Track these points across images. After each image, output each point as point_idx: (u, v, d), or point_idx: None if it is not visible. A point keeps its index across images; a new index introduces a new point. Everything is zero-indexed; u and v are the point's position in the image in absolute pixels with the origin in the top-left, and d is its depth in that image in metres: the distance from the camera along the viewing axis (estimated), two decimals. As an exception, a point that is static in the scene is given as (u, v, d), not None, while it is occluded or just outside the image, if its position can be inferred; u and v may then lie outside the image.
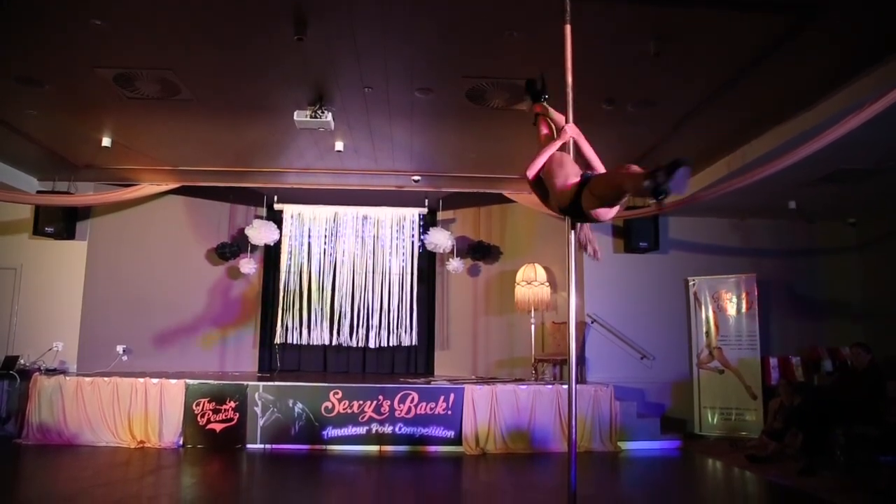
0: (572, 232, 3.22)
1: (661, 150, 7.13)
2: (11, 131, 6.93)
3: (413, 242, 10.42)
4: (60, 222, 8.75)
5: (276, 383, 7.55)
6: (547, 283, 9.09)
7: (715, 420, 8.66)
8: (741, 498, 5.91)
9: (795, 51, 4.84)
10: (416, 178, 8.56)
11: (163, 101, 6.08)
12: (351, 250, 10.37)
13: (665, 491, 6.06)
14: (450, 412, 7.46)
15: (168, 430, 7.31)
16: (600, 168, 3.25)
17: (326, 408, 7.38)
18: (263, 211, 10.35)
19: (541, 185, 3.33)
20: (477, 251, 10.12)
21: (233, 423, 7.34)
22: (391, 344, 10.20)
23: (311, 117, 5.88)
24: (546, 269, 9.20)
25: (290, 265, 10.26)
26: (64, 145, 7.53)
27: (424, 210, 10.38)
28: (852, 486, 5.72)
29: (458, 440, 7.39)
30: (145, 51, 5.09)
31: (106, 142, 7.16)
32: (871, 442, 6.11)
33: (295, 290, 10.19)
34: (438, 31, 4.77)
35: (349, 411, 7.39)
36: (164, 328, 9.52)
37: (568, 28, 3.31)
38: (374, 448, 7.32)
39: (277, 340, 10.06)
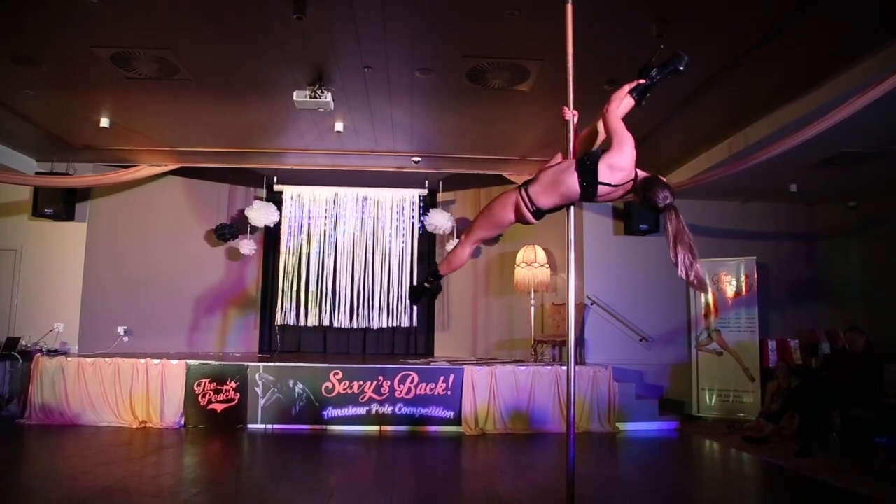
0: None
1: (662, 132, 7.11)
2: (9, 112, 6.89)
3: (413, 223, 10.41)
4: (60, 204, 8.74)
5: (277, 364, 7.59)
6: (547, 265, 9.10)
7: (713, 402, 8.71)
8: (737, 478, 5.95)
9: (798, 33, 4.80)
10: (417, 159, 8.54)
11: (161, 81, 6.04)
12: (351, 231, 10.38)
13: (662, 471, 6.11)
14: (449, 393, 7.51)
15: (169, 411, 7.36)
16: (617, 137, 3.07)
17: (327, 388, 7.42)
18: (263, 192, 10.33)
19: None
20: (477, 233, 10.09)
21: (234, 403, 7.39)
22: (391, 325, 10.24)
23: (310, 97, 5.84)
24: (546, 250, 9.21)
25: (290, 246, 10.26)
26: (62, 126, 7.50)
27: (424, 191, 10.36)
28: (847, 468, 5.77)
29: (457, 420, 7.44)
30: (143, 30, 5.05)
31: (104, 122, 7.13)
32: (868, 424, 6.16)
33: (295, 272, 10.21)
34: (439, 11, 4.73)
35: (349, 392, 7.43)
36: (164, 309, 9.55)
37: (569, 7, 3.28)
38: (374, 428, 7.37)
39: (278, 321, 10.10)
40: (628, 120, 3.24)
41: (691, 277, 2.94)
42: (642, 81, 3.24)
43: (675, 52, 3.23)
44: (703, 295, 8.93)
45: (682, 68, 3.22)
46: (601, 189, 3.03)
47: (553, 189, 3.11)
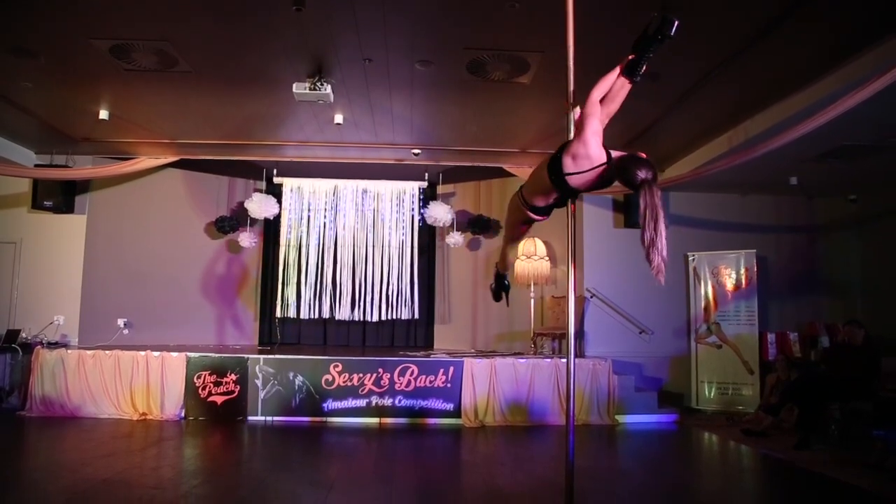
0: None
1: (662, 124, 7.09)
2: (7, 104, 6.88)
3: (413, 216, 10.41)
4: (59, 196, 8.72)
5: (277, 356, 7.60)
6: (546, 258, 9.11)
7: (712, 394, 8.73)
8: (736, 471, 5.98)
9: (798, 26, 4.78)
10: (416, 151, 8.52)
11: (160, 73, 6.02)
12: (351, 224, 10.37)
13: (661, 463, 6.13)
14: (449, 385, 7.52)
15: (170, 403, 7.38)
16: (578, 126, 2.99)
17: (327, 380, 7.44)
18: (263, 184, 10.32)
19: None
20: (477, 225, 10.12)
21: (234, 395, 7.41)
22: (391, 317, 10.25)
23: (310, 90, 5.83)
24: (546, 243, 9.21)
25: (289, 239, 10.27)
26: (61, 118, 7.48)
27: (424, 184, 10.35)
28: (845, 460, 5.79)
29: (457, 413, 7.46)
30: (142, 22, 5.03)
31: (103, 115, 7.11)
32: (866, 417, 6.17)
33: (295, 264, 10.21)
34: (439, 2, 4.71)
35: (349, 384, 7.44)
36: (164, 301, 9.55)
37: (570, -2, 3.26)
38: (373, 420, 7.39)
39: (277, 314, 10.11)
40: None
41: (654, 262, 2.79)
42: (631, 57, 3.04)
43: (662, 16, 2.93)
44: (701, 287, 8.94)
45: (671, 33, 2.93)
46: (572, 180, 2.97)
47: (536, 187, 3.14)
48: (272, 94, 6.54)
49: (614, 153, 2.95)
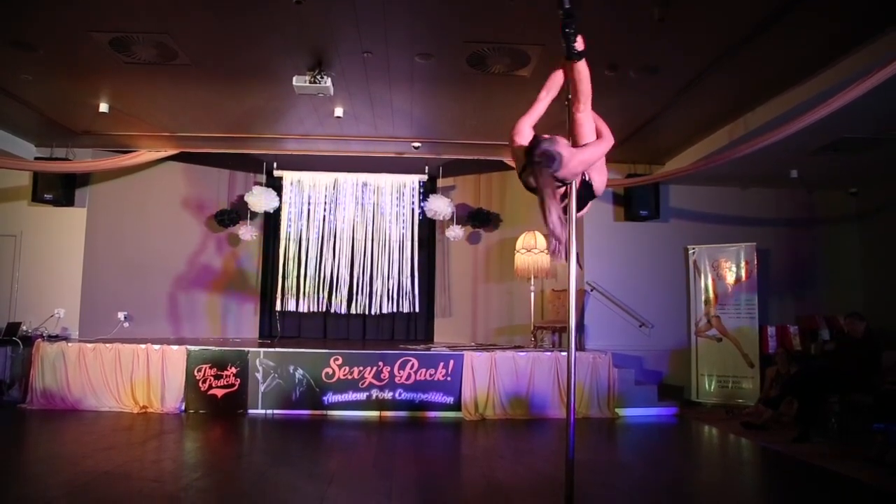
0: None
1: (663, 117, 7.07)
2: (7, 97, 6.86)
3: (413, 209, 10.41)
4: (59, 189, 8.73)
5: (277, 349, 7.61)
6: (547, 251, 9.09)
7: (712, 387, 8.75)
8: (735, 463, 5.99)
9: (799, 19, 4.76)
10: (416, 144, 8.51)
11: (160, 67, 6.01)
12: (351, 217, 10.37)
13: (661, 456, 6.14)
14: (449, 378, 7.53)
15: (170, 396, 7.39)
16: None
17: (327, 374, 7.45)
18: (263, 178, 10.31)
19: None
20: (477, 218, 10.11)
21: (234, 388, 7.42)
22: (391, 311, 10.25)
23: (310, 83, 5.81)
24: (546, 236, 9.20)
25: (289, 232, 10.26)
26: (61, 111, 7.46)
27: (424, 177, 10.35)
28: (845, 454, 5.80)
29: (457, 406, 7.47)
30: (142, 14, 5.01)
31: (103, 108, 7.10)
32: (866, 410, 6.18)
33: (295, 257, 10.21)
34: (439, -5, 4.69)
35: (349, 377, 7.45)
36: (164, 295, 9.57)
37: (570, -9, 3.24)
38: (374, 413, 7.40)
39: (278, 307, 10.11)
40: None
41: (552, 244, 2.92)
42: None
43: None
44: (701, 280, 8.93)
45: (567, 5, 2.86)
46: (523, 178, 3.17)
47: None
48: (272, 88, 6.52)
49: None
